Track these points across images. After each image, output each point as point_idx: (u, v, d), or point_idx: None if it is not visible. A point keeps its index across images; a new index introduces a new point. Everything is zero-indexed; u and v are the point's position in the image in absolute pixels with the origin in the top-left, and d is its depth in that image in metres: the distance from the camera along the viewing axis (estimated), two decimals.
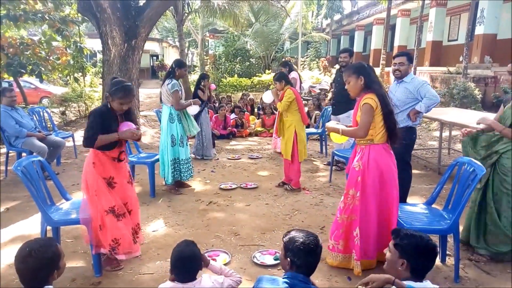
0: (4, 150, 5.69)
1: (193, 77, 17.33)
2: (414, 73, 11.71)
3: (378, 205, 2.78)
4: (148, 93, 17.88)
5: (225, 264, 2.94)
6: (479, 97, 9.39)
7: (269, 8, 18.38)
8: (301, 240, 1.89)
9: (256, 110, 10.75)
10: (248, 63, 18.10)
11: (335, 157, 5.34)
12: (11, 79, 9.78)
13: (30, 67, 8.69)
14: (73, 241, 3.41)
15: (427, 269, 1.92)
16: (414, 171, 4.58)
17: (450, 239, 3.23)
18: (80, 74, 11.57)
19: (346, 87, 2.88)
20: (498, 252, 2.98)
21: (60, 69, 10.05)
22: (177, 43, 17.55)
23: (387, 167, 2.75)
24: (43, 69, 9.02)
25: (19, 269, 1.73)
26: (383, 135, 2.74)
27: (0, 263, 2.99)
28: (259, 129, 9.11)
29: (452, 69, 12.09)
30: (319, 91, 13.60)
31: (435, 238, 3.09)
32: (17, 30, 9.70)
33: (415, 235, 1.94)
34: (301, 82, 7.18)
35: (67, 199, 3.24)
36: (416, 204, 3.35)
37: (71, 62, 10.43)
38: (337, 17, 26.40)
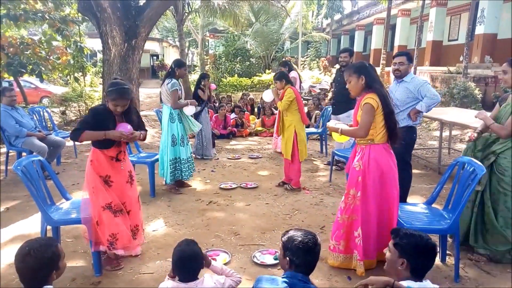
0: (4, 149, 5.69)
1: (193, 77, 17.33)
2: (414, 73, 11.70)
3: (379, 205, 2.78)
4: (148, 92, 17.89)
5: (225, 264, 2.95)
6: (479, 97, 9.39)
7: (269, 8, 18.37)
8: (299, 239, 1.89)
9: (256, 109, 10.75)
10: (248, 63, 18.10)
11: (335, 157, 5.34)
12: (11, 78, 9.78)
13: (30, 66, 8.69)
14: (73, 240, 3.41)
15: (426, 268, 1.92)
16: (414, 171, 4.58)
17: (450, 239, 3.23)
18: (80, 73, 11.57)
19: (347, 86, 2.88)
20: (497, 252, 2.98)
21: (60, 69, 10.05)
22: (177, 43, 17.55)
23: (387, 167, 2.75)
24: (43, 68, 9.02)
25: (19, 268, 1.73)
26: (384, 135, 2.73)
27: (0, 262, 2.99)
28: (259, 128, 9.11)
29: (452, 68, 12.09)
30: (319, 91, 13.61)
31: (435, 238, 3.10)
32: (17, 30, 9.70)
33: (415, 235, 1.94)
34: (300, 82, 7.19)
35: (67, 199, 3.25)
36: (416, 204, 3.35)
37: (71, 61, 10.42)
38: (337, 17, 26.40)
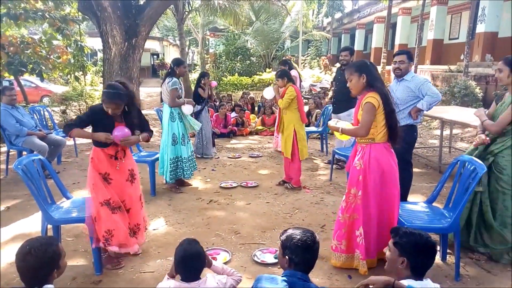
0: (4, 148, 5.69)
1: (194, 76, 17.31)
2: (415, 72, 11.69)
3: (379, 204, 2.77)
4: (148, 91, 17.90)
5: (225, 263, 2.95)
6: (480, 96, 9.37)
7: (270, 7, 18.35)
8: (298, 237, 1.89)
9: (256, 108, 10.75)
10: (248, 61, 18.08)
11: (336, 156, 5.33)
12: (12, 77, 9.79)
13: (31, 66, 8.69)
14: (73, 239, 3.42)
15: (426, 267, 1.92)
16: (415, 170, 4.57)
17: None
18: (81, 73, 11.58)
19: (348, 85, 2.86)
20: (495, 251, 2.98)
21: (60, 68, 10.06)
22: (178, 42, 17.53)
23: (388, 166, 2.74)
24: (43, 68, 9.02)
25: (20, 268, 1.73)
26: (384, 134, 2.73)
27: (1, 261, 3.00)
28: (260, 127, 9.11)
29: (453, 67, 12.08)
30: (319, 89, 13.59)
31: (435, 237, 3.10)
32: (18, 29, 9.70)
33: (414, 233, 1.94)
34: (300, 81, 7.18)
35: (67, 198, 3.25)
36: (416, 203, 3.35)
37: (72, 61, 10.43)
38: (337, 15, 26.36)
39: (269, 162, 6.34)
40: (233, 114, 9.19)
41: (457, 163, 3.02)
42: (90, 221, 2.81)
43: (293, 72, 6.37)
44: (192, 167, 4.86)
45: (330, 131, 3.46)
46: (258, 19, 18.50)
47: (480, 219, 3.05)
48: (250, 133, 9.00)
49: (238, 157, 6.64)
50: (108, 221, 2.81)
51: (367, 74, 2.72)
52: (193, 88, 7.38)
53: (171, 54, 32.84)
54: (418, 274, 1.90)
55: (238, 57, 18.05)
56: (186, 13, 14.83)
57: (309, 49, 23.18)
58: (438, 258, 2.97)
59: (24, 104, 8.93)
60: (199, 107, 6.32)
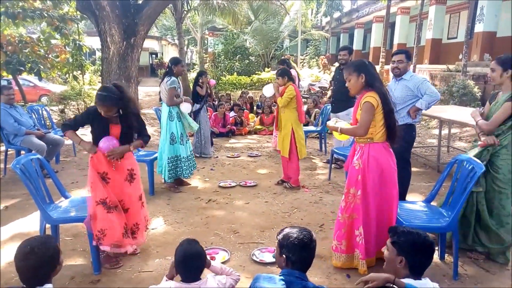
0: (3, 148, 5.68)
1: (193, 75, 17.29)
2: (414, 71, 11.70)
3: (378, 204, 2.78)
4: (147, 91, 17.88)
5: (224, 262, 2.95)
6: (478, 95, 9.38)
7: (269, 6, 18.32)
8: (295, 235, 1.89)
9: (255, 108, 10.74)
10: (247, 61, 18.06)
11: (335, 155, 5.34)
12: (10, 77, 9.75)
13: (29, 65, 8.66)
14: (72, 239, 3.41)
15: (425, 266, 1.93)
16: (413, 169, 4.58)
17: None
18: (79, 72, 11.54)
19: (346, 84, 2.86)
20: (492, 250, 2.99)
21: (59, 67, 10.02)
22: (177, 41, 17.51)
23: (387, 165, 2.74)
24: (42, 67, 8.99)
25: (20, 267, 1.71)
26: (383, 134, 2.73)
27: (0, 261, 2.99)
28: (258, 127, 9.10)
29: (451, 67, 12.08)
30: (318, 89, 13.58)
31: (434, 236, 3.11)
32: (16, 28, 9.66)
33: (412, 232, 1.94)
34: (299, 80, 7.17)
35: (66, 197, 3.25)
36: (415, 202, 3.35)
37: (70, 60, 10.39)
38: (336, 15, 26.33)
39: (268, 161, 6.34)
40: (232, 114, 9.19)
41: (455, 162, 3.03)
42: (89, 219, 2.82)
43: (292, 72, 6.38)
44: (191, 167, 4.86)
45: (329, 130, 3.46)
46: (257, 18, 18.49)
47: (476, 219, 3.05)
48: (249, 133, 9.00)
49: (237, 157, 6.63)
50: (102, 220, 2.81)
51: (366, 74, 2.72)
52: (191, 87, 7.37)
53: (169, 54, 32.81)
54: (417, 273, 1.90)
55: (237, 56, 18.03)
56: (185, 12, 14.81)
57: (308, 49, 23.17)
58: (436, 257, 2.98)
59: (23, 103, 8.90)
60: (198, 106, 6.32)
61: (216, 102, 9.45)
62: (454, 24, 15.69)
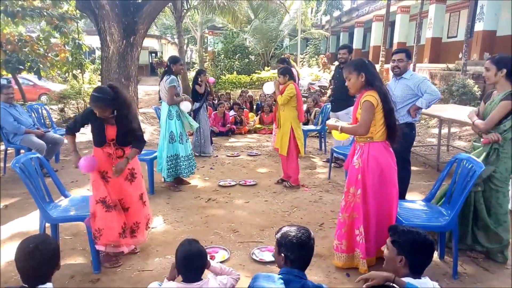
0: (2, 147, 5.68)
1: (192, 74, 17.27)
2: (414, 70, 11.70)
3: (378, 203, 2.77)
4: (146, 90, 17.87)
5: (224, 261, 2.95)
6: (478, 94, 9.37)
7: (268, 5, 18.31)
8: (293, 234, 1.90)
9: (255, 107, 10.74)
10: (247, 60, 18.04)
11: (334, 154, 5.34)
12: (10, 76, 9.75)
13: (29, 64, 8.66)
14: (71, 238, 3.42)
15: (424, 265, 1.93)
16: (413, 168, 4.58)
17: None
18: (79, 71, 11.54)
19: (346, 83, 2.85)
20: (491, 249, 2.99)
21: (58, 66, 10.03)
22: (176, 40, 17.50)
23: (387, 165, 2.74)
24: (41, 66, 8.99)
25: (24, 266, 1.70)
26: (383, 133, 2.72)
27: (0, 260, 2.99)
28: (258, 126, 9.10)
29: (451, 66, 12.07)
30: (318, 88, 13.57)
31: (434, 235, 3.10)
32: (15, 27, 9.66)
33: (412, 231, 1.94)
34: (298, 79, 7.17)
35: (65, 196, 3.25)
36: (415, 201, 3.35)
37: (70, 59, 10.39)
38: (336, 13, 26.28)
39: (267, 160, 6.34)
40: (232, 113, 9.19)
41: (455, 161, 3.02)
42: (89, 218, 2.83)
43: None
44: (191, 166, 4.85)
45: (328, 130, 3.43)
46: (256, 17, 18.46)
47: (474, 218, 3.05)
48: (249, 132, 9.00)
49: (237, 156, 6.63)
50: (100, 219, 2.82)
51: (366, 73, 2.72)
52: (191, 86, 7.37)
53: (169, 52, 32.75)
54: (416, 272, 1.91)
55: (237, 55, 18.02)
56: (185, 11, 14.78)
57: (307, 47, 23.14)
58: (436, 256, 2.98)
59: (22, 102, 8.88)
60: (197, 104, 6.32)
61: (216, 101, 9.46)
62: (454, 23, 15.67)
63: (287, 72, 4.69)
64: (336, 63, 6.25)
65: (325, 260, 3.01)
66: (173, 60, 4.77)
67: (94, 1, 7.40)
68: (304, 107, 7.65)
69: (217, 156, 6.60)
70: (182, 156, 4.70)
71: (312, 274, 2.78)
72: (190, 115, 5.16)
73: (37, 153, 3.27)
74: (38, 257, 1.69)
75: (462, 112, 5.52)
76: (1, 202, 4.25)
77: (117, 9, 7.51)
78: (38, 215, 2.92)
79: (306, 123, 7.88)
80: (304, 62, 20.96)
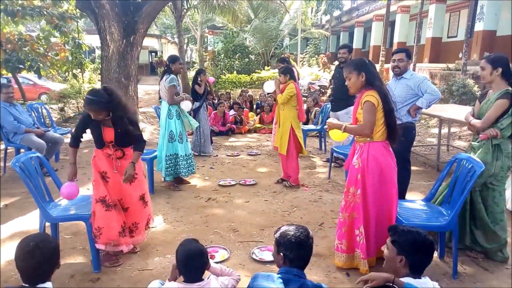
0: (2, 146, 5.68)
1: (192, 74, 17.27)
2: (414, 70, 11.69)
3: (378, 203, 2.77)
4: (146, 89, 17.85)
5: (223, 261, 2.96)
6: (478, 94, 9.35)
7: (268, 4, 18.29)
8: (291, 233, 1.90)
9: (255, 106, 10.74)
10: (247, 59, 18.03)
11: (334, 154, 5.34)
12: (10, 75, 9.75)
13: (29, 63, 8.66)
14: (71, 237, 3.42)
15: (424, 265, 1.93)
16: (413, 168, 4.58)
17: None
18: (79, 70, 11.55)
19: (346, 83, 2.85)
20: (490, 249, 2.99)
21: (58, 65, 10.03)
22: (176, 40, 17.49)
23: (386, 164, 2.74)
24: (41, 65, 8.99)
25: (24, 265, 1.70)
26: (383, 133, 2.72)
27: (0, 259, 2.99)
28: (258, 125, 9.10)
29: (451, 65, 12.07)
30: (318, 87, 13.57)
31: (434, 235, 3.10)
32: (15, 26, 9.66)
33: (412, 231, 1.94)
34: (298, 79, 7.17)
35: None
36: (414, 201, 3.35)
37: (70, 58, 10.39)
38: (336, 13, 26.26)
39: (267, 160, 6.34)
40: (232, 112, 9.19)
41: (455, 161, 3.02)
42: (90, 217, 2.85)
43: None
44: (191, 166, 4.84)
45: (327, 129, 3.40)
46: (256, 16, 18.45)
47: (471, 218, 3.05)
48: (249, 131, 9.00)
49: (237, 155, 6.63)
50: (100, 218, 2.83)
51: (366, 73, 2.71)
52: (191, 85, 7.37)
53: (169, 52, 32.72)
54: (416, 272, 1.90)
55: (237, 55, 18.01)
56: (185, 10, 14.77)
57: (307, 47, 23.14)
58: (436, 256, 2.98)
59: (22, 102, 8.90)
60: (197, 104, 6.32)
61: (216, 101, 9.46)
62: (454, 22, 15.67)
63: (288, 72, 4.69)
64: (336, 62, 6.25)
65: (325, 260, 3.01)
66: (172, 59, 4.77)
67: (94, 1, 7.40)
68: (304, 106, 7.65)
69: (217, 155, 6.60)
70: (181, 155, 4.70)
71: (312, 273, 2.78)
72: (190, 114, 5.16)
73: (37, 152, 3.27)
74: (38, 256, 1.68)
75: (462, 112, 5.50)
76: (1, 201, 4.25)
77: (117, 9, 7.50)
78: (38, 215, 2.93)
79: (306, 123, 7.88)
80: (304, 61, 20.95)
